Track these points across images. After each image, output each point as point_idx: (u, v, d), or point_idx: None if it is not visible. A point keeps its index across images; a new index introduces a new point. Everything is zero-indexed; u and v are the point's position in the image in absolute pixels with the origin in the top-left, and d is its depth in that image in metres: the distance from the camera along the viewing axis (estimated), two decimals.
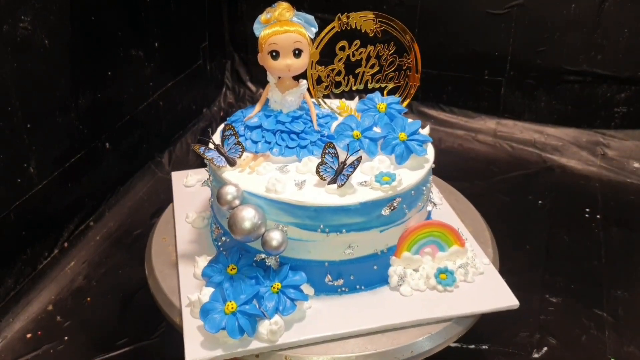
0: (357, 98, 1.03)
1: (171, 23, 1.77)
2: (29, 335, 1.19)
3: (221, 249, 0.93)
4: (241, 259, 0.86)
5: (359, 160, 0.83)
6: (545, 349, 1.17)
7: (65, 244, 1.39)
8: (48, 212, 1.32)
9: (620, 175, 1.77)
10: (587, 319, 1.23)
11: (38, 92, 1.24)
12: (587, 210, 1.60)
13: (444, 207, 1.07)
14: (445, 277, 0.90)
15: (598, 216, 1.57)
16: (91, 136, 1.44)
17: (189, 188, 1.14)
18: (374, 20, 0.96)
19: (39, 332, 1.19)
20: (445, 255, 0.92)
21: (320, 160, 0.85)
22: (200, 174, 1.16)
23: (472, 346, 1.16)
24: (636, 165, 1.81)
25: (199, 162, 1.79)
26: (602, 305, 1.27)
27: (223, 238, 0.92)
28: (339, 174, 0.83)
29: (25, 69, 1.18)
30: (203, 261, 0.90)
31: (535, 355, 1.16)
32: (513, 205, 1.63)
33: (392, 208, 0.85)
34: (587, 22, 1.79)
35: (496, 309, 0.88)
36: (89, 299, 1.28)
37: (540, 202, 1.64)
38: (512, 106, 1.97)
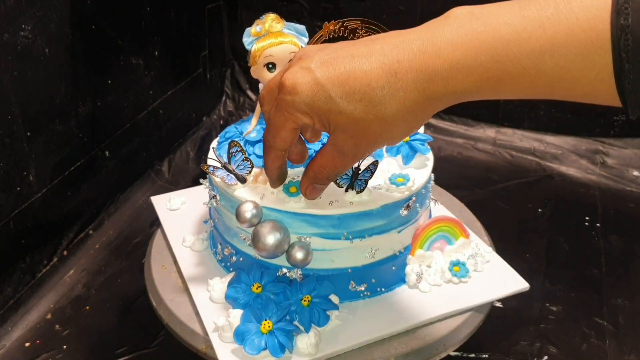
0: None
1: (171, 31, 1.78)
2: (27, 344, 1.18)
3: (231, 269, 0.92)
4: (263, 275, 0.86)
5: (375, 164, 0.84)
6: (546, 357, 1.16)
7: (65, 252, 1.39)
8: (47, 220, 1.32)
9: (620, 183, 1.78)
10: (587, 328, 1.23)
11: (38, 100, 1.24)
12: (587, 218, 1.60)
13: (438, 205, 1.09)
14: (458, 269, 0.93)
15: (598, 224, 1.57)
16: (91, 144, 1.44)
17: (174, 211, 1.12)
18: (360, 27, 0.97)
19: (38, 341, 1.19)
20: (453, 248, 0.96)
21: None
22: (183, 195, 1.15)
23: (472, 355, 1.16)
24: (636, 173, 1.81)
25: (199, 172, 1.79)
26: (603, 313, 1.27)
27: (234, 258, 0.92)
28: (354, 180, 0.83)
29: (25, 77, 1.19)
30: (218, 284, 0.89)
31: None
32: (512, 214, 1.63)
33: (409, 208, 0.87)
34: None
35: (511, 293, 0.93)
36: (88, 307, 1.28)
37: (539, 210, 1.64)
38: (512, 114, 1.97)
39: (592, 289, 1.34)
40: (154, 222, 1.48)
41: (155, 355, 1.16)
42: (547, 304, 1.29)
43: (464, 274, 0.92)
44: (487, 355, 1.16)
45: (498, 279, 0.94)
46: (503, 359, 1.16)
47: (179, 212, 1.11)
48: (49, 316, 1.25)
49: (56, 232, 1.37)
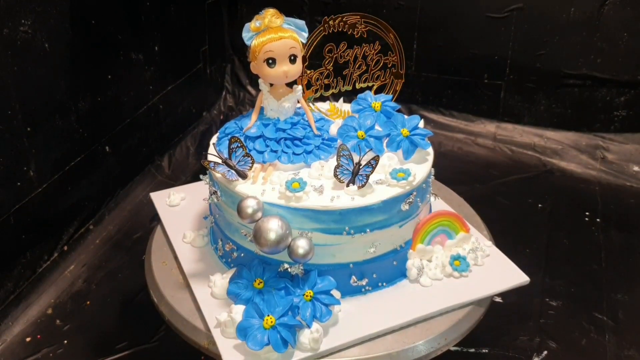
0: (341, 99, 1.04)
1: (171, 26, 1.77)
2: (28, 339, 1.19)
3: (232, 265, 0.92)
4: (265, 271, 0.85)
5: (376, 159, 0.84)
6: (545, 352, 1.17)
7: (65, 247, 1.39)
8: (48, 216, 1.32)
9: (620, 178, 1.77)
10: (587, 323, 1.23)
11: (38, 96, 1.24)
12: (587, 213, 1.60)
13: (438, 200, 1.09)
14: (459, 263, 0.94)
15: (598, 219, 1.57)
16: (91, 139, 1.44)
17: (173, 207, 1.12)
18: (359, 21, 0.97)
19: (39, 336, 1.19)
20: (454, 243, 0.97)
21: (336, 163, 0.85)
22: (182, 191, 1.14)
23: (472, 350, 1.16)
24: (636, 168, 1.81)
25: (199, 167, 1.79)
26: (602, 308, 1.27)
27: (235, 254, 0.91)
28: (355, 175, 0.83)
29: (25, 72, 1.19)
30: (219, 280, 0.89)
31: (536, 359, 1.15)
32: (513, 209, 1.63)
33: (409, 202, 0.87)
34: (586, 26, 1.79)
35: (512, 286, 0.93)
36: (88, 302, 1.28)
37: (540, 205, 1.64)
38: (512, 110, 1.97)
39: (592, 284, 1.34)
40: (155, 217, 1.48)
41: (155, 351, 1.17)
42: (547, 299, 1.29)
43: (464, 268, 0.93)
44: (487, 350, 1.17)
45: (498, 273, 0.94)
46: (503, 354, 1.16)
47: (179, 208, 1.11)
48: (49, 311, 1.26)
49: (56, 228, 1.37)
